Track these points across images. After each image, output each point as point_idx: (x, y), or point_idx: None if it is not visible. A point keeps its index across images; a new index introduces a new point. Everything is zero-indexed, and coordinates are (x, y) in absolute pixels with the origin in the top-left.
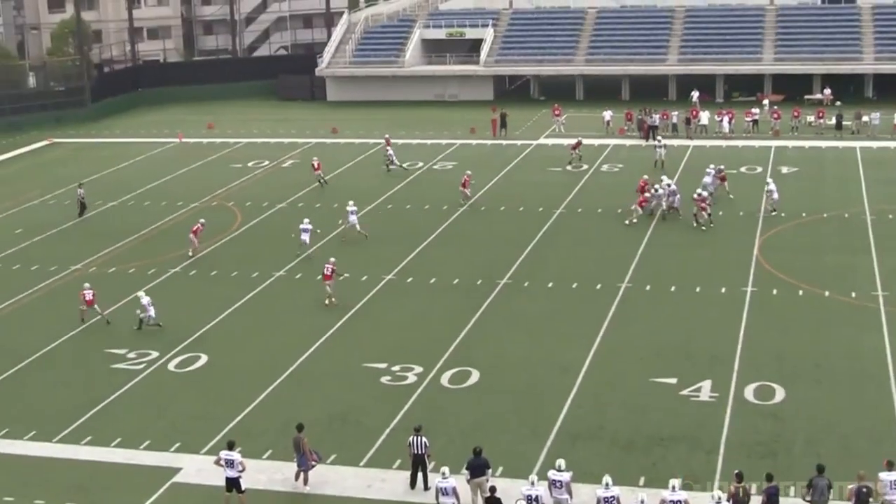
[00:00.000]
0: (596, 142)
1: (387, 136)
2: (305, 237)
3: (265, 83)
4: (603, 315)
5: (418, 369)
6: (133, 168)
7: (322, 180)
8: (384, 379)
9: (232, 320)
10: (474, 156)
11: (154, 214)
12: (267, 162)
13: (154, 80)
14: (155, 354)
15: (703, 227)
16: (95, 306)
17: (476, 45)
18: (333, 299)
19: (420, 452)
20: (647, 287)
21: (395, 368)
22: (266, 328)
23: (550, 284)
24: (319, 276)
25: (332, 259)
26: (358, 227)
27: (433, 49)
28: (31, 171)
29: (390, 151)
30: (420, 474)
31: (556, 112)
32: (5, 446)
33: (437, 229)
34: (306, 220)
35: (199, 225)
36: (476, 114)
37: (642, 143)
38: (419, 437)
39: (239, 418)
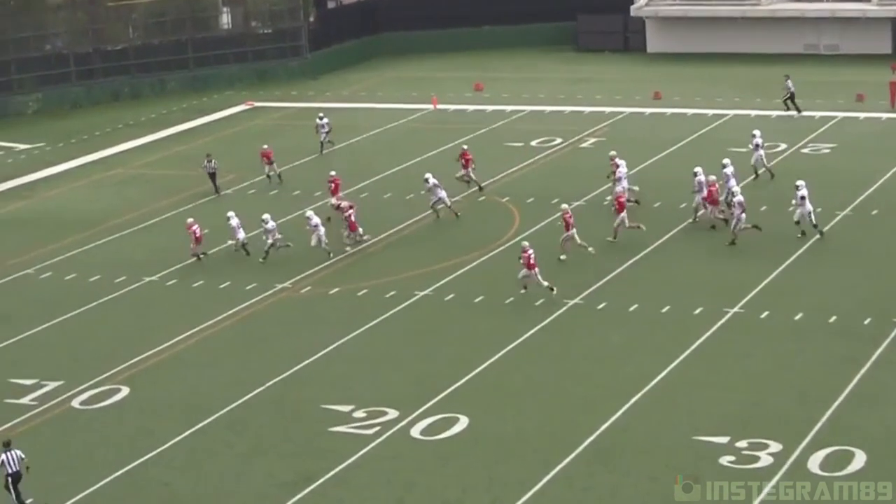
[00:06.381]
0: None
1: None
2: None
3: (558, 27)
4: None
5: (774, 447)
6: (368, 145)
7: (273, 174)
8: (725, 459)
9: (502, 366)
10: (861, 135)
11: (397, 211)
12: (559, 140)
13: (398, 21)
14: (393, 414)
15: None
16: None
17: None
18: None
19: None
20: None
21: (741, 444)
22: (553, 380)
23: None
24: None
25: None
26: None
27: None
28: (222, 147)
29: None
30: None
31: None
32: None
33: (804, 243)
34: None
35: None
36: (865, 74)
37: None
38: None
39: None
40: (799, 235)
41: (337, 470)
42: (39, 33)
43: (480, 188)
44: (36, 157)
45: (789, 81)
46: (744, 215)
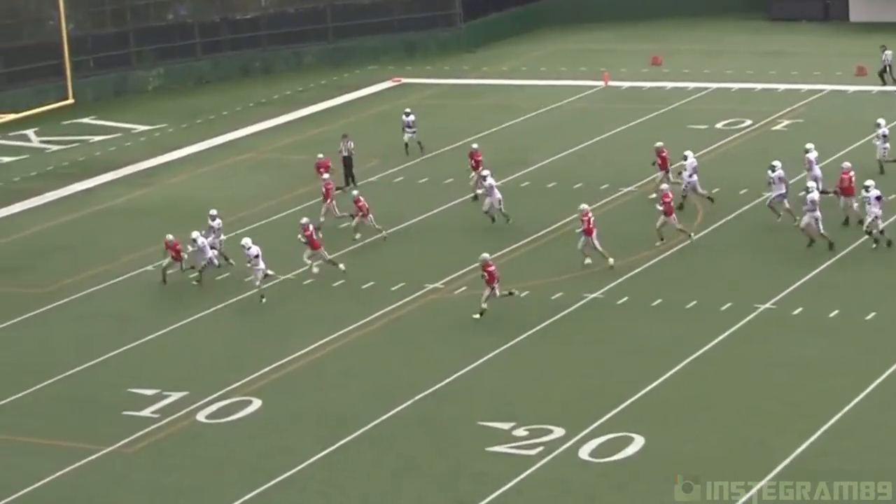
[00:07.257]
0: None
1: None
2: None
3: None
4: None
5: None
6: (530, 127)
7: (344, 187)
8: None
9: (682, 379)
10: None
11: (562, 203)
12: (748, 122)
13: None
14: (558, 433)
15: None
16: None
17: None
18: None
19: None
20: None
21: None
22: (740, 395)
23: None
24: None
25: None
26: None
27: None
28: (365, 129)
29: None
30: None
31: None
32: None
33: None
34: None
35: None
36: None
37: None
38: None
39: None
40: (874, 246)
41: (495, 495)
42: (161, 0)
43: (507, 219)
44: (157, 139)
45: (888, 52)
46: (818, 214)
